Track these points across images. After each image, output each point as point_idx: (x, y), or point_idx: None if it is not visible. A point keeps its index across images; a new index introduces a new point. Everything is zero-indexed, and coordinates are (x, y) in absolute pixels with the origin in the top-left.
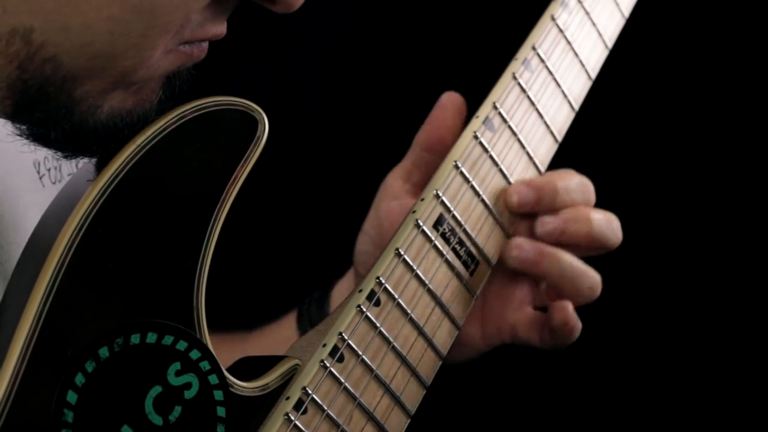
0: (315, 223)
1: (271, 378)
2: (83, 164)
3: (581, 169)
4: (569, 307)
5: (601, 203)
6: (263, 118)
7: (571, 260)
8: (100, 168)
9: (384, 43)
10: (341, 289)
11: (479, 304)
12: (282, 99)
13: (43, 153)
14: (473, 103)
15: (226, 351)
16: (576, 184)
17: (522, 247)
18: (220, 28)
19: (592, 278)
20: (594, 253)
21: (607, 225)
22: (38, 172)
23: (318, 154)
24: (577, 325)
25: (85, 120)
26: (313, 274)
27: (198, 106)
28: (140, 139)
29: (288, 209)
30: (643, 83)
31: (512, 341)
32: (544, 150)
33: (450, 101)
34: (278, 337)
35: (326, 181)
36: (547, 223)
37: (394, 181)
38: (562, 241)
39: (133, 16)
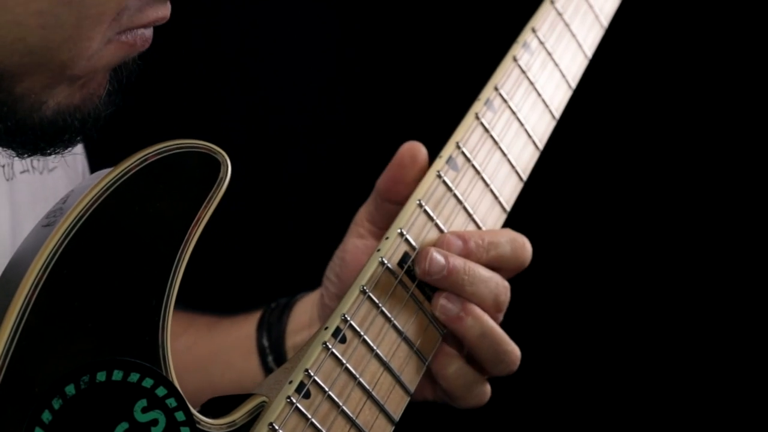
0: (303, 227)
1: (238, 415)
2: (54, 204)
3: (581, 169)
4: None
5: (600, 203)
6: (226, 161)
7: (493, 324)
8: None
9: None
10: (305, 303)
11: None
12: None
13: None
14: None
15: (191, 336)
16: (506, 241)
17: (446, 298)
18: (161, 12)
19: (513, 350)
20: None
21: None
22: None
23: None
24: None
25: (29, 116)
26: (294, 276)
27: (161, 149)
28: (104, 182)
29: (281, 206)
30: (638, 84)
31: (434, 399)
32: (509, 188)
33: (409, 154)
34: (238, 332)
35: (320, 184)
36: (455, 268)
37: (361, 219)
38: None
39: (63, 8)
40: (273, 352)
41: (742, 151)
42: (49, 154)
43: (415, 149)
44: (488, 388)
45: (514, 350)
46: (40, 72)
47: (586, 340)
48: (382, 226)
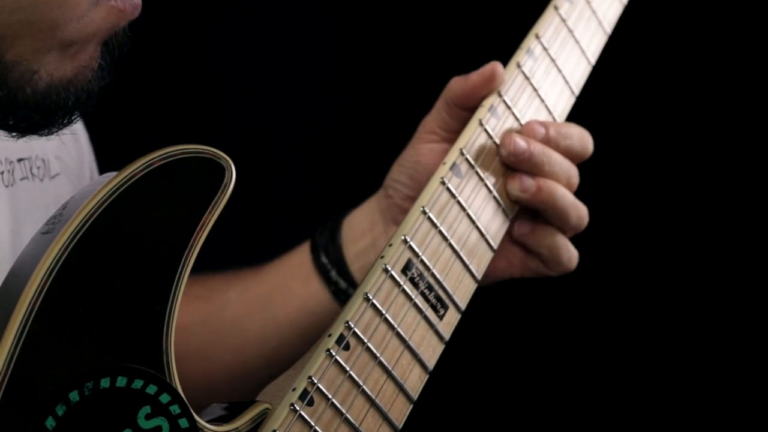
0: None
1: (241, 422)
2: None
3: (582, 171)
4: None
5: (600, 203)
6: (230, 166)
7: (563, 192)
8: None
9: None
10: (357, 215)
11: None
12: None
13: None
14: None
15: (239, 284)
16: (576, 134)
17: (522, 177)
18: None
19: (580, 209)
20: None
21: (573, 207)
22: None
23: None
24: (559, 247)
25: (21, 88)
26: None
27: (165, 154)
28: (108, 187)
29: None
30: (638, 86)
31: (521, 275)
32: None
33: (492, 72)
34: (289, 264)
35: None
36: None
37: (431, 127)
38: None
39: None
40: (335, 266)
41: (741, 152)
42: (46, 133)
43: (499, 70)
44: (575, 252)
45: (584, 210)
46: (30, 34)
47: (586, 340)
48: (455, 130)
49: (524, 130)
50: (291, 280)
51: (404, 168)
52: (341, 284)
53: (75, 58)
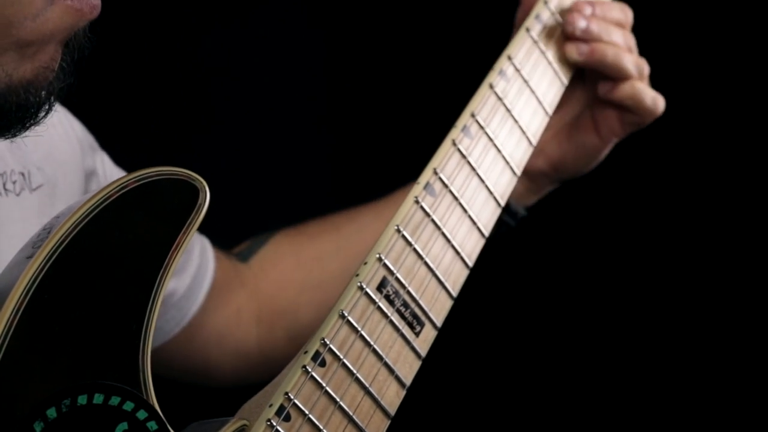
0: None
1: None
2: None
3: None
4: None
5: (599, 204)
6: (204, 187)
7: (614, 50)
8: None
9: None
10: None
11: (588, 115)
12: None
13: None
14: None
15: (373, 214)
16: (617, 9)
17: (578, 43)
18: None
19: (637, 60)
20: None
21: (629, 59)
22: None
23: None
24: (640, 94)
25: None
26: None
27: (140, 175)
28: (84, 208)
29: None
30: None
31: (624, 132)
32: (488, 214)
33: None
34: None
35: None
36: (581, 27)
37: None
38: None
39: None
40: None
41: (741, 152)
42: (9, 136)
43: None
44: (659, 95)
45: (642, 61)
46: None
47: (586, 340)
48: None
49: (573, 9)
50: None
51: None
52: None
53: (34, 58)
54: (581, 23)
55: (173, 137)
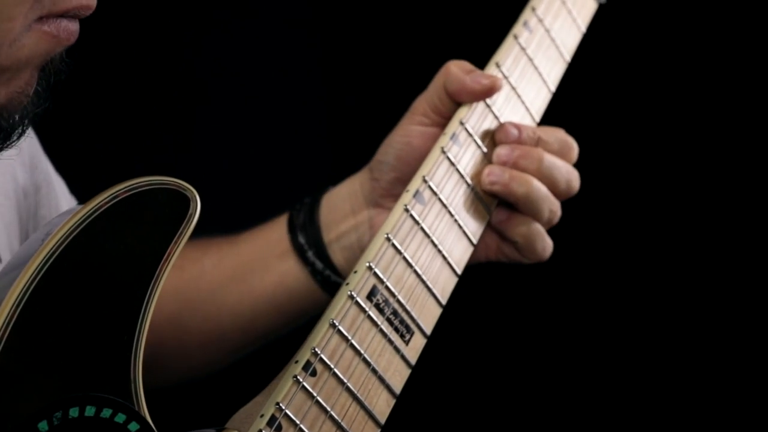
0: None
1: None
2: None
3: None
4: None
5: (598, 204)
6: (195, 197)
7: (538, 184)
8: None
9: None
10: (337, 195)
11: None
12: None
13: None
14: None
15: (215, 254)
16: (554, 139)
17: (493, 170)
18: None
19: (554, 203)
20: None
21: (560, 168)
22: None
23: None
24: (534, 237)
25: None
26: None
27: (131, 185)
28: (75, 219)
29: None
30: (636, 85)
31: (497, 259)
32: (476, 220)
33: (496, 88)
34: (266, 238)
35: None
36: (501, 154)
37: (424, 109)
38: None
39: None
40: (313, 247)
41: (741, 152)
42: None
43: (498, 85)
44: (550, 242)
45: (557, 204)
46: None
47: (586, 340)
48: (446, 116)
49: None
50: (268, 256)
51: (393, 149)
52: (317, 265)
53: (9, 84)
54: (501, 150)
55: (173, 140)
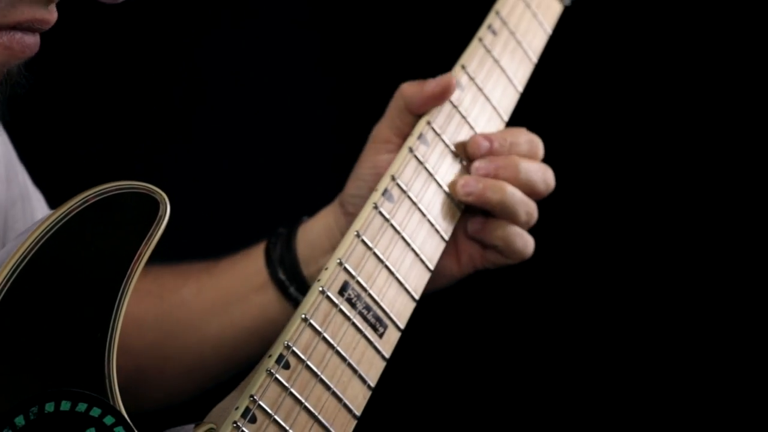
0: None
1: None
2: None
3: (580, 171)
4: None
5: (597, 203)
6: (164, 199)
7: (512, 189)
8: None
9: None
10: (314, 229)
11: (452, 239)
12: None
13: None
14: None
15: (193, 284)
16: (524, 141)
17: (468, 181)
18: (38, 13)
19: (530, 205)
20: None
21: (536, 172)
22: None
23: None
24: (513, 238)
25: None
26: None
27: (101, 190)
28: (47, 223)
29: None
30: (636, 85)
31: (484, 267)
32: (447, 217)
33: (451, 87)
34: (244, 270)
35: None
36: (480, 168)
37: (388, 135)
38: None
39: None
40: (294, 283)
41: (741, 152)
42: None
43: (453, 83)
44: (531, 238)
45: (533, 206)
46: None
47: (586, 340)
48: (407, 136)
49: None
50: (247, 288)
51: (363, 182)
52: (301, 299)
53: None
54: (479, 164)
55: (168, 144)
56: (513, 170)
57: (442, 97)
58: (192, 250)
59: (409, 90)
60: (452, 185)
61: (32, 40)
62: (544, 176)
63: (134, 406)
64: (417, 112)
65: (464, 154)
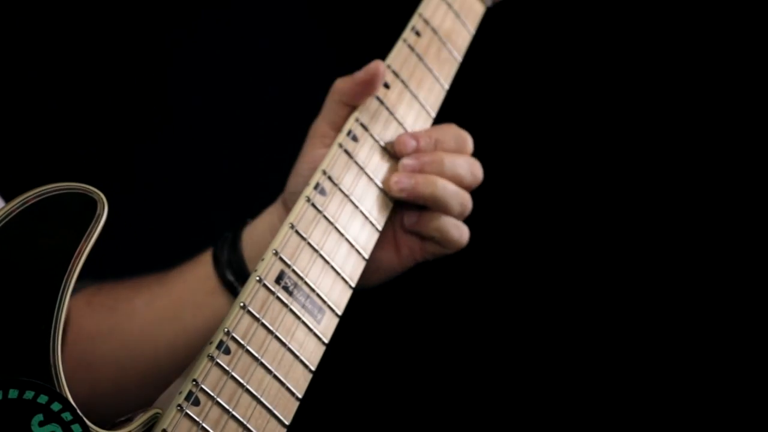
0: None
1: (132, 426)
2: None
3: (579, 170)
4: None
5: (597, 203)
6: (102, 198)
7: (444, 182)
8: None
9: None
10: (258, 229)
11: (391, 234)
12: None
13: None
14: None
15: (146, 294)
16: (451, 137)
17: (401, 178)
18: None
19: (462, 196)
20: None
21: (462, 166)
22: None
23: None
24: (447, 228)
25: None
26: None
27: (40, 191)
28: None
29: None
30: (635, 84)
31: (424, 259)
32: (378, 209)
33: (379, 72)
34: (194, 276)
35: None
36: (407, 165)
37: (325, 130)
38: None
39: None
40: (243, 283)
41: (741, 152)
42: None
43: (381, 68)
44: (465, 228)
45: (467, 197)
46: None
47: (585, 340)
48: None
49: (399, 143)
50: (198, 293)
51: (303, 177)
52: None
53: None
54: (406, 161)
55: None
56: (438, 166)
57: (372, 83)
58: (147, 257)
59: (342, 83)
60: (385, 182)
61: None
62: (470, 169)
63: (91, 418)
64: (351, 103)
65: (391, 140)
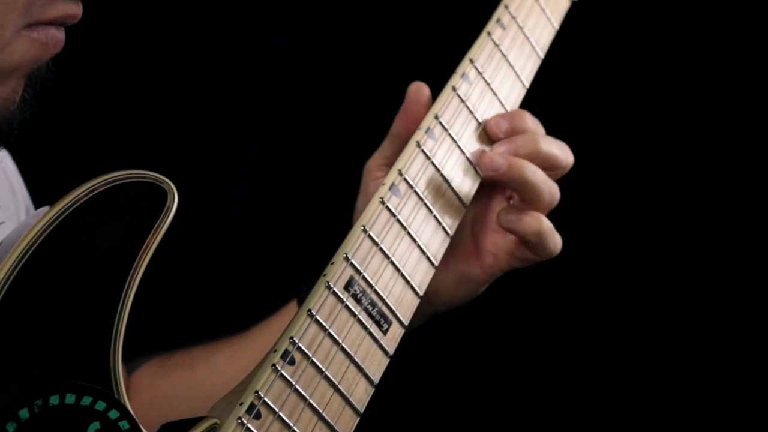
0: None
1: None
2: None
3: (578, 170)
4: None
5: (597, 203)
6: (172, 189)
7: (534, 169)
8: None
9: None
10: None
11: (470, 243)
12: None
13: None
14: None
15: (226, 350)
16: (531, 123)
17: (494, 157)
18: (71, 9)
19: (551, 185)
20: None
21: (556, 145)
22: None
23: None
24: (546, 232)
25: None
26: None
27: (108, 179)
28: (53, 212)
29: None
30: (635, 84)
31: (510, 267)
32: (452, 213)
33: (417, 92)
34: (280, 326)
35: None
36: (500, 146)
37: (378, 167)
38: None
39: None
40: None
41: (741, 151)
42: None
43: (421, 88)
44: (559, 237)
45: (555, 186)
46: None
47: (585, 340)
48: None
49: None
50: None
51: None
52: None
53: None
54: (497, 146)
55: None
56: (533, 146)
57: (417, 107)
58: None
59: (397, 123)
60: (477, 157)
61: (62, 35)
62: (562, 150)
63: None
64: (405, 135)
65: (472, 137)
